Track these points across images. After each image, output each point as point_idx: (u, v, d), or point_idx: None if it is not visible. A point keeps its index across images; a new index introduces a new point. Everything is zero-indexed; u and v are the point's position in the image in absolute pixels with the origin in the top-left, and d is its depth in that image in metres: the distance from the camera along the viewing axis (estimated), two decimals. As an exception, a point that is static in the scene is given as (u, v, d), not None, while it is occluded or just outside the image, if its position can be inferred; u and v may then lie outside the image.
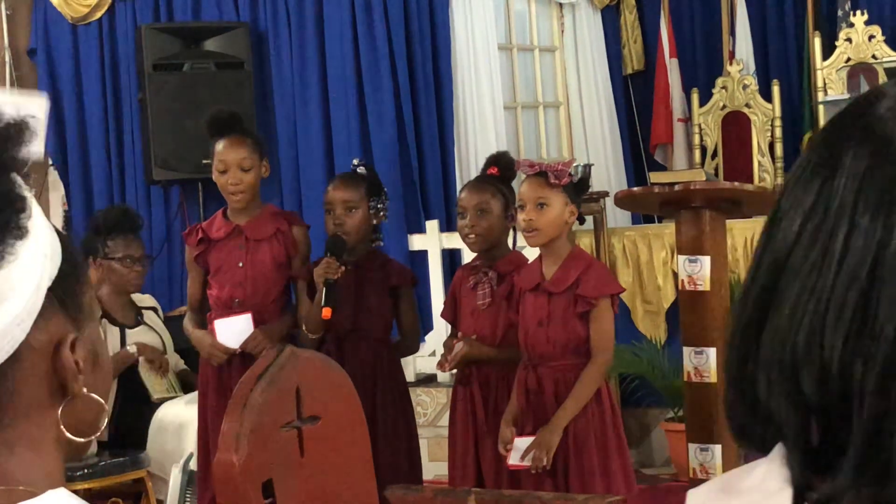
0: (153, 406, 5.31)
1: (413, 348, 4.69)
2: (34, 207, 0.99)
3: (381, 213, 4.56)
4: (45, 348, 0.95)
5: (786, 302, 0.83)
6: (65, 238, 1.03)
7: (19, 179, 0.97)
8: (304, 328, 4.45)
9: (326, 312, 4.27)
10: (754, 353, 0.85)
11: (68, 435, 0.96)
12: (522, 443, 3.89)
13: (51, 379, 0.93)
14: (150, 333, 5.55)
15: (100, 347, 1.04)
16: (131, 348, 5.31)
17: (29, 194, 0.98)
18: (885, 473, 0.78)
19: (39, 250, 0.98)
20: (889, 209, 0.80)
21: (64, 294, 1.00)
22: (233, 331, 4.47)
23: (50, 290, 0.98)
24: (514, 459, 3.90)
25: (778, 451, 0.86)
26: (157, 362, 5.39)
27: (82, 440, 0.98)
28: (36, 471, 0.90)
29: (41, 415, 0.92)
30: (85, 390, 0.98)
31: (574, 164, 4.12)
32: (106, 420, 1.01)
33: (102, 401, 0.99)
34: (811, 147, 0.88)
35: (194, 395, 5.09)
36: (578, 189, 4.04)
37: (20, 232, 0.96)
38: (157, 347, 5.43)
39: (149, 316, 5.65)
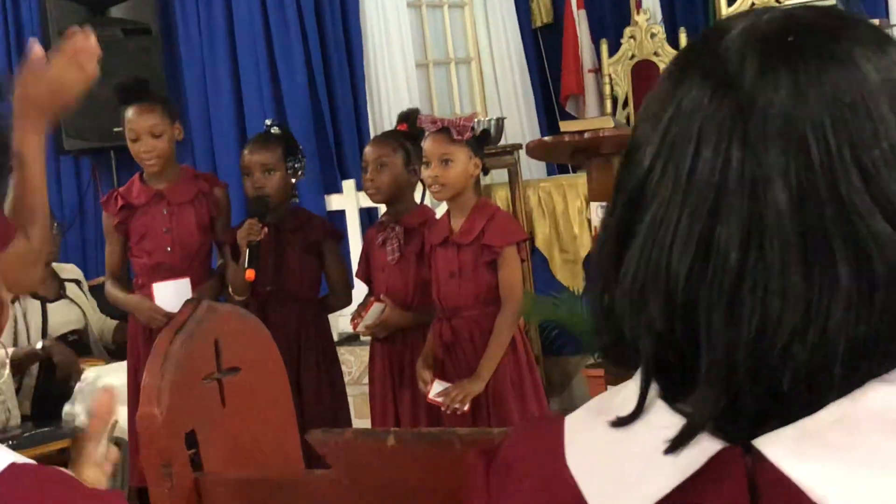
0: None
1: (344, 301, 4.67)
2: None
3: (300, 172, 4.57)
4: None
5: (639, 233, 0.87)
6: None
7: None
8: (230, 290, 4.46)
9: (250, 274, 4.29)
10: (613, 283, 0.89)
11: None
12: (444, 385, 3.96)
13: None
14: (71, 307, 5.49)
15: None
16: (38, 344, 5.19)
17: None
18: (735, 409, 0.83)
19: None
20: (728, 142, 0.83)
21: None
22: (172, 294, 4.44)
23: None
24: (433, 394, 3.96)
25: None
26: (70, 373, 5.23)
27: None
28: None
29: None
30: None
31: (475, 118, 4.18)
32: None
33: None
34: (660, 80, 0.91)
35: (118, 362, 5.08)
36: (481, 142, 4.10)
37: None
38: (70, 359, 5.24)
39: (70, 289, 5.58)
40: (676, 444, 0.84)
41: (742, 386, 0.82)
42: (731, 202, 0.82)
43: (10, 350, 5.16)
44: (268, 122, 4.72)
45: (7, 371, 4.89)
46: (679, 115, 0.86)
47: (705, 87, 0.86)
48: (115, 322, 5.54)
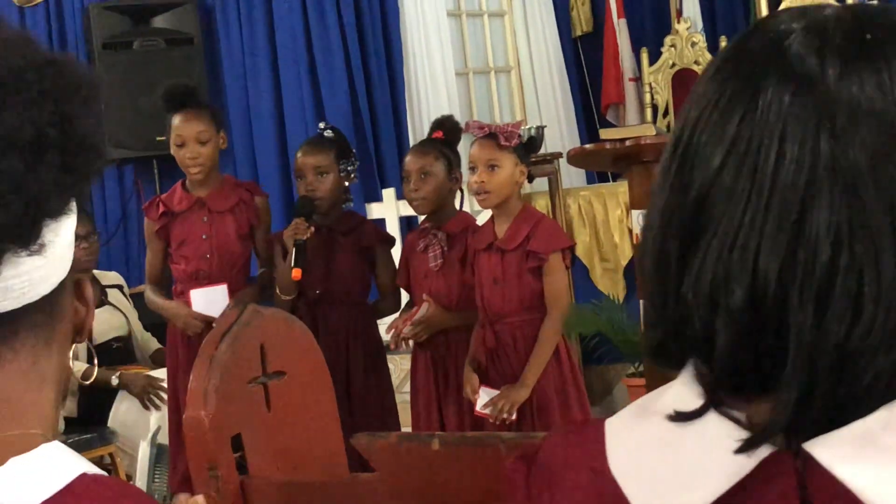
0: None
1: (393, 307, 4.66)
2: None
3: (352, 175, 4.58)
4: (72, 284, 0.95)
5: (707, 232, 0.85)
6: None
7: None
8: (277, 290, 4.47)
9: (296, 273, 4.30)
10: (673, 281, 0.87)
11: (78, 379, 0.97)
12: (490, 393, 3.95)
13: (73, 316, 0.93)
14: (114, 314, 5.51)
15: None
16: (114, 380, 5.17)
17: None
18: (814, 412, 0.81)
19: None
20: (815, 139, 0.82)
21: None
22: (209, 301, 4.47)
23: None
24: (480, 405, 3.96)
25: (688, 370, 0.89)
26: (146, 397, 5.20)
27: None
28: (47, 410, 0.91)
29: (63, 353, 0.92)
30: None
31: (522, 125, 4.17)
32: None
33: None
34: (717, 82, 0.89)
35: (159, 370, 5.10)
36: (528, 149, 4.10)
37: None
38: (144, 378, 5.24)
39: (113, 295, 5.61)
40: (749, 445, 0.83)
41: (819, 390, 0.81)
42: (821, 199, 0.81)
43: (85, 368, 5.15)
44: (321, 125, 4.73)
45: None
46: (754, 115, 0.85)
47: (784, 88, 0.85)
48: (154, 344, 5.56)
